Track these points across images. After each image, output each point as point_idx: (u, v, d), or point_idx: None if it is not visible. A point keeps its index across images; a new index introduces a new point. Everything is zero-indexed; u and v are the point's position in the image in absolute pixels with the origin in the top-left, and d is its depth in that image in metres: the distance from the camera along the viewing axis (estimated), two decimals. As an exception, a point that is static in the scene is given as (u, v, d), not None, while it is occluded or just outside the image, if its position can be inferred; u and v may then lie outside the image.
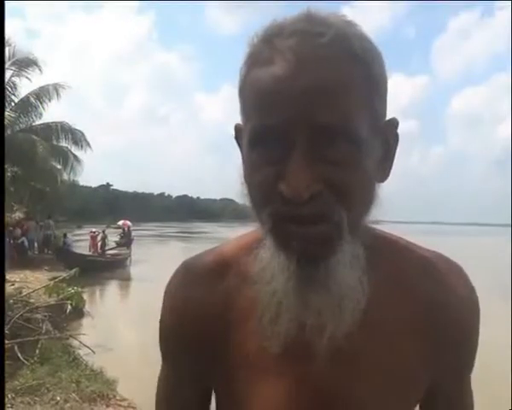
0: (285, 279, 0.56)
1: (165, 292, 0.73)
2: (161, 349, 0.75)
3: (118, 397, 5.42)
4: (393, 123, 0.63)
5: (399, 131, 0.63)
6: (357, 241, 0.57)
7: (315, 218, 0.53)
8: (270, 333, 0.60)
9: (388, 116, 0.62)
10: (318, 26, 0.55)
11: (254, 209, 0.59)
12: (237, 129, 0.65)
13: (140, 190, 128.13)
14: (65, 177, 19.23)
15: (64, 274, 10.95)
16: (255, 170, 0.57)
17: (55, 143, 17.64)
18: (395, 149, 0.63)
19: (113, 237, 23.19)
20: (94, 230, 20.50)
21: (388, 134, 0.61)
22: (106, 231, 20.46)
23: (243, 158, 0.61)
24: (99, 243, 19.53)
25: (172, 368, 0.74)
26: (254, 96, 0.56)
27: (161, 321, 0.74)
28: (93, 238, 19.47)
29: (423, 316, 0.65)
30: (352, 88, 0.54)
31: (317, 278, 0.55)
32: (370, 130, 0.56)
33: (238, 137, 0.65)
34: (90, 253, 18.70)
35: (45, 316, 8.00)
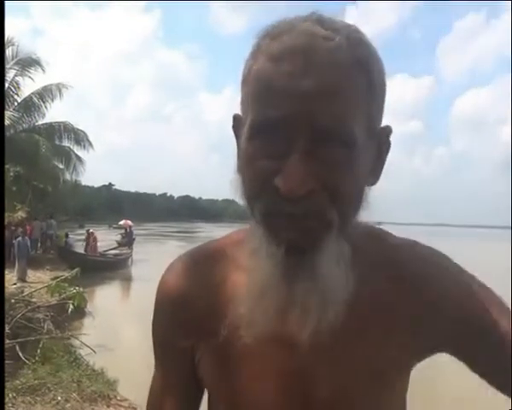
0: (272, 267, 0.56)
1: (160, 279, 0.75)
2: (154, 335, 0.76)
3: (119, 397, 5.43)
4: (387, 130, 0.64)
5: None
6: (344, 239, 0.58)
7: (307, 215, 0.54)
8: (249, 321, 0.60)
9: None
10: (327, 29, 0.56)
11: (246, 200, 0.60)
12: (236, 119, 0.65)
13: (142, 191, 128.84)
14: (67, 177, 19.30)
15: (66, 274, 10.99)
16: (251, 162, 0.57)
17: (57, 142, 17.68)
18: (386, 154, 0.64)
19: (113, 237, 23.11)
20: (91, 230, 20.31)
21: (381, 140, 0.63)
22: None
23: (239, 149, 0.62)
24: (95, 244, 19.29)
25: (164, 355, 0.75)
26: (259, 89, 0.57)
27: (156, 301, 0.75)
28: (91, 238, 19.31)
29: (392, 295, 0.65)
30: (353, 94, 0.56)
31: (303, 268, 0.56)
32: (366, 135, 0.57)
33: (236, 127, 0.65)
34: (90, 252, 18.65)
35: (47, 316, 8.03)
